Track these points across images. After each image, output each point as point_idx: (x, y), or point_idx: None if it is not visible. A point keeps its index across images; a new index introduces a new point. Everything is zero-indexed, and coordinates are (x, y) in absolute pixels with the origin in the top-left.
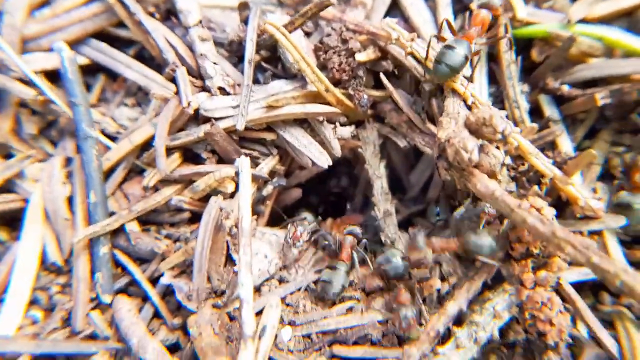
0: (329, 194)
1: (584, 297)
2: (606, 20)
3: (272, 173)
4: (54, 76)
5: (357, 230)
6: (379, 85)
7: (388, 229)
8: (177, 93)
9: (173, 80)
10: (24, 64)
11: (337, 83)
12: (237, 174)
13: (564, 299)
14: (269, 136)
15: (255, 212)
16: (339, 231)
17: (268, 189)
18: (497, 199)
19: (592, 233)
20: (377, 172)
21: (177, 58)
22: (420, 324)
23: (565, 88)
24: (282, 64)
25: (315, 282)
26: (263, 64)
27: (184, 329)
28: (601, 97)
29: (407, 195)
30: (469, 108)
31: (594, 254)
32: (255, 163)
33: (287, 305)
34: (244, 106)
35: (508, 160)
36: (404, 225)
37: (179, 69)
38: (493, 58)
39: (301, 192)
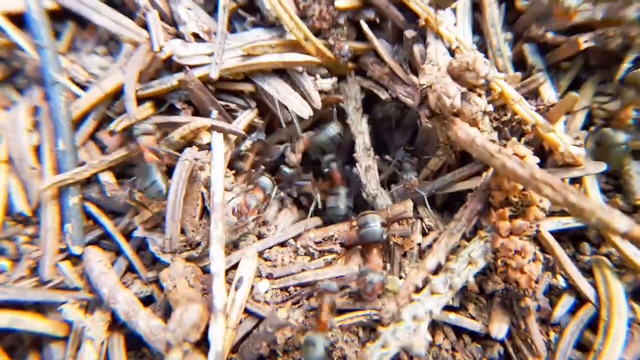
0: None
1: (565, 247)
2: None
3: (251, 127)
4: (19, 21)
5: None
6: (361, 38)
7: (369, 184)
8: (150, 39)
9: (145, 26)
10: None
11: (317, 33)
12: (212, 128)
13: (543, 248)
14: (247, 88)
15: (235, 168)
16: (322, 186)
17: (247, 144)
18: (477, 146)
19: (573, 182)
20: (359, 128)
21: (149, 2)
22: (401, 277)
23: (550, 35)
24: (260, 12)
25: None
26: (240, 11)
27: (158, 282)
28: (584, 40)
29: (392, 154)
30: (452, 55)
31: (571, 193)
32: (232, 116)
33: (266, 259)
34: (218, 54)
35: (490, 109)
36: (387, 185)
37: (150, 12)
38: (477, 7)
39: (283, 150)
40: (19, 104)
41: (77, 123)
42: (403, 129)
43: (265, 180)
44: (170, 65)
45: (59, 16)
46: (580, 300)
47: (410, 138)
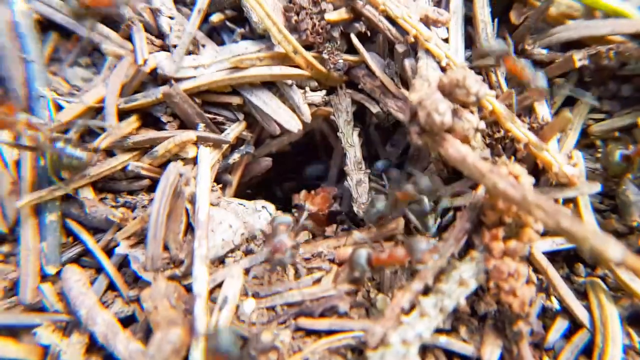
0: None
1: (558, 268)
2: None
3: (240, 140)
4: None
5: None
6: (352, 50)
7: (360, 198)
8: (134, 51)
9: (130, 38)
10: None
11: (309, 47)
12: (198, 140)
13: (536, 269)
14: (235, 100)
15: (222, 182)
16: (313, 203)
17: (234, 157)
18: (468, 164)
19: (566, 202)
20: (350, 141)
21: (134, 14)
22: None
23: (544, 52)
24: (249, 24)
25: None
26: (228, 23)
27: (139, 301)
28: (579, 58)
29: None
30: (443, 70)
31: (563, 218)
32: (220, 129)
33: (253, 277)
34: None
35: (482, 126)
36: None
37: (134, 24)
38: (469, 20)
39: (271, 162)
40: None
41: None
42: (395, 142)
43: (266, 203)
44: (156, 78)
45: (42, 27)
46: (575, 325)
47: (402, 152)
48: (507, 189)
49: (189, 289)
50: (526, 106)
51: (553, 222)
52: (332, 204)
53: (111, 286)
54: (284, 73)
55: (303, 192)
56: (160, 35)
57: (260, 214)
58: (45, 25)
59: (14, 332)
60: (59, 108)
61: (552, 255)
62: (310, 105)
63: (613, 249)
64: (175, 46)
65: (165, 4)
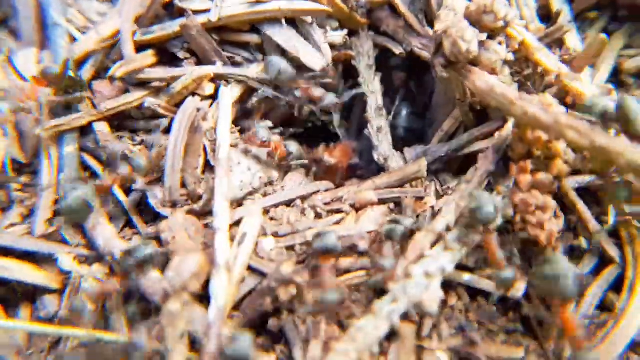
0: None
1: (590, 209)
2: None
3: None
4: None
5: None
6: None
7: (382, 146)
8: None
9: None
10: None
11: None
12: (216, 77)
13: (566, 206)
14: (253, 39)
15: (240, 127)
16: (332, 156)
17: (253, 102)
18: (496, 94)
19: None
20: (371, 87)
21: None
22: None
23: None
24: None
25: None
26: None
27: (157, 238)
28: None
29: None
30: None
31: (598, 135)
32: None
33: (271, 219)
34: None
35: (511, 57)
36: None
37: None
38: None
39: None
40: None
41: (75, 69)
42: (421, 90)
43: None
44: (172, 12)
45: None
46: (604, 262)
47: (427, 101)
48: (538, 113)
49: (206, 226)
50: (557, 39)
51: (588, 141)
52: (352, 157)
53: (129, 223)
54: (306, 8)
55: (322, 145)
56: None
57: None
58: None
59: (33, 258)
60: (74, 40)
61: (581, 195)
62: (331, 46)
63: None
64: None
65: None
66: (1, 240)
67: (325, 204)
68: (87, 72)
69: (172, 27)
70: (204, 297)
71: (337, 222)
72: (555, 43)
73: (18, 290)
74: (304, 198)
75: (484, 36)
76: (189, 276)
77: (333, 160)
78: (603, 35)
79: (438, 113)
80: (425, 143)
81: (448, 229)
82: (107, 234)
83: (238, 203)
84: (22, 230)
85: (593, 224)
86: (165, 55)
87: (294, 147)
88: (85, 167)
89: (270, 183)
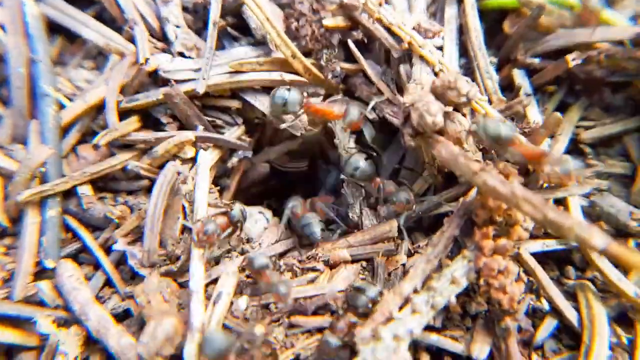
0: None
1: (549, 271)
2: None
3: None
4: None
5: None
6: (350, 59)
7: (355, 204)
8: (136, 52)
9: (133, 41)
10: None
11: (308, 54)
12: (197, 141)
13: (526, 270)
14: (234, 104)
15: (220, 186)
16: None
17: (233, 161)
18: (460, 163)
19: (556, 203)
20: (347, 148)
21: (137, 16)
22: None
23: (536, 60)
24: (250, 30)
25: None
26: (229, 29)
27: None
28: (572, 59)
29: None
30: (437, 76)
31: (550, 210)
32: (219, 132)
33: (247, 276)
34: (205, 69)
35: (474, 128)
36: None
37: (137, 25)
38: (464, 30)
39: (269, 168)
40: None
41: (61, 135)
42: (393, 150)
43: (236, 211)
44: (157, 80)
45: (49, 29)
46: (564, 324)
47: (400, 160)
48: (496, 185)
49: (182, 285)
50: (517, 112)
51: (540, 215)
52: (328, 213)
53: (108, 282)
54: (284, 79)
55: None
56: (163, 39)
57: (258, 219)
58: (52, 28)
59: (12, 322)
60: (62, 107)
61: (543, 258)
62: None
63: (597, 238)
64: (180, 53)
65: (173, 13)
66: None
67: (300, 261)
68: (73, 137)
69: (155, 95)
70: (178, 358)
71: (312, 281)
72: (517, 115)
73: None
74: (280, 256)
75: (450, 108)
76: (164, 340)
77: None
78: (558, 114)
79: (409, 174)
80: None
81: (415, 291)
82: (82, 298)
83: (215, 261)
84: (2, 295)
85: (552, 289)
86: (149, 119)
87: (235, 211)
88: (67, 229)
89: (248, 240)
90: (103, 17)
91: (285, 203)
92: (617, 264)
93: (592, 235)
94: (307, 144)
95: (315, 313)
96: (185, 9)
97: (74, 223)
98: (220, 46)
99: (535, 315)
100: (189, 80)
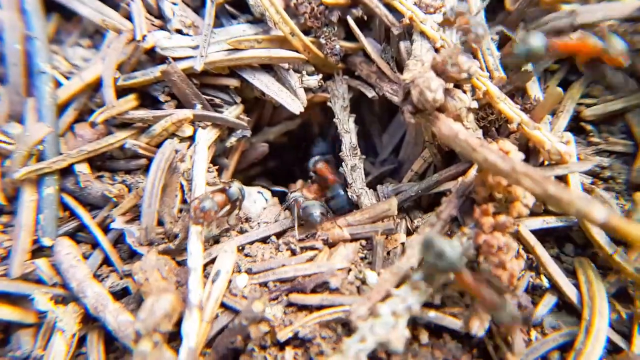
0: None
1: (549, 248)
2: None
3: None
4: None
5: None
6: (349, 37)
7: (355, 183)
8: (133, 29)
9: (130, 18)
10: None
11: (307, 32)
12: (195, 119)
13: (526, 248)
14: (232, 83)
15: (219, 165)
16: (309, 191)
17: (231, 141)
18: (460, 140)
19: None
20: (346, 127)
21: None
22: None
23: None
24: (248, 9)
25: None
26: (227, 6)
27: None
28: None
29: (379, 157)
30: (437, 52)
31: (550, 185)
32: (217, 111)
33: (246, 255)
34: (203, 46)
35: (474, 105)
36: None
37: (134, 2)
38: None
39: (268, 148)
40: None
41: (58, 113)
42: (392, 130)
43: (234, 189)
44: (154, 58)
45: (45, 7)
46: (563, 301)
47: (399, 140)
48: (496, 161)
49: (181, 264)
50: (519, 88)
51: (541, 190)
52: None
53: (106, 261)
54: (282, 56)
55: (299, 181)
56: (161, 17)
57: (257, 199)
58: (48, 6)
59: (10, 299)
60: (58, 85)
61: (543, 236)
62: (306, 89)
63: (597, 211)
64: (178, 31)
65: None
66: None
67: (299, 240)
68: (70, 115)
69: (153, 72)
70: (176, 335)
71: (310, 259)
72: (518, 91)
73: None
74: (278, 235)
75: (450, 85)
76: (162, 316)
77: (310, 196)
78: (559, 88)
79: (409, 153)
80: (397, 180)
81: (412, 268)
82: (80, 275)
83: (214, 240)
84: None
85: (551, 266)
86: (147, 98)
87: (234, 189)
88: (66, 208)
89: (247, 219)
90: None
91: (289, 189)
92: (618, 237)
93: (592, 208)
94: (304, 126)
95: (314, 291)
96: None
97: (71, 201)
98: (218, 24)
99: (535, 292)
100: (186, 57)
